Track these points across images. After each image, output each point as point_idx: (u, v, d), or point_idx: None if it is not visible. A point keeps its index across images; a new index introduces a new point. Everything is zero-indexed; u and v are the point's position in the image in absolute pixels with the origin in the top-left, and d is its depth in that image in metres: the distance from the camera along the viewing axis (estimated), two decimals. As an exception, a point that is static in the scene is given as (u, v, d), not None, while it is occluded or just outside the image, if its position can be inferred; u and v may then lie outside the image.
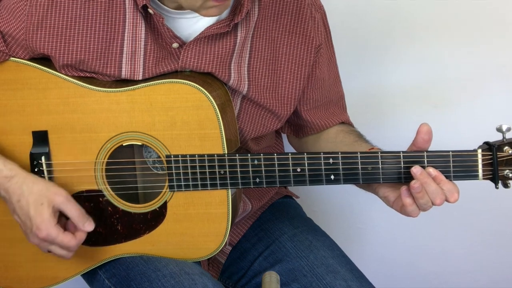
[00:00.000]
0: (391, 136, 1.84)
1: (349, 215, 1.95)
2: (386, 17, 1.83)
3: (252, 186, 1.30)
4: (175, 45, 1.31)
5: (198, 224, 1.33)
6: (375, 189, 1.31)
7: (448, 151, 1.24)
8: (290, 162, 1.27)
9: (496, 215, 1.92)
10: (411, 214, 1.25)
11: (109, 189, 1.33)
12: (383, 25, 1.83)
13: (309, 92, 1.43)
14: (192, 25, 1.33)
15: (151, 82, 1.29)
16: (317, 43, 1.39)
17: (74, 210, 1.29)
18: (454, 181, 1.24)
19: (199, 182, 1.30)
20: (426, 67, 1.86)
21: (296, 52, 1.38)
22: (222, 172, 1.29)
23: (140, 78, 1.32)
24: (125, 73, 1.32)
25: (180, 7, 1.30)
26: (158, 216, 1.33)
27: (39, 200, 1.27)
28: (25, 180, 1.29)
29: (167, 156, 1.30)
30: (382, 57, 1.86)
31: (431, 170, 1.22)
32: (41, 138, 1.32)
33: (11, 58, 1.32)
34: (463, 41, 1.83)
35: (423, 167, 1.23)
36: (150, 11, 1.28)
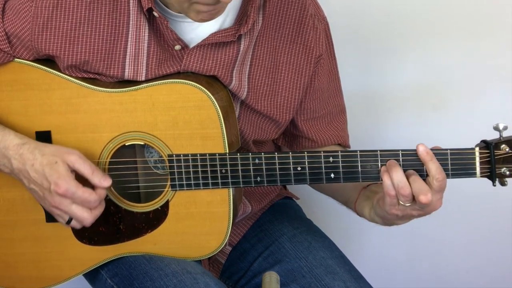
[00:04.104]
0: (390, 136, 1.86)
1: (349, 216, 1.94)
2: (385, 18, 1.84)
3: (253, 185, 1.30)
4: (177, 47, 1.32)
5: (199, 222, 1.34)
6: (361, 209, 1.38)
7: (446, 150, 1.25)
8: (291, 160, 1.28)
9: (494, 213, 1.93)
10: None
11: (112, 188, 1.33)
12: (383, 26, 1.84)
13: (307, 101, 1.43)
14: (194, 29, 1.33)
15: (153, 82, 1.30)
16: (318, 53, 1.39)
17: (88, 167, 1.26)
18: (452, 179, 1.25)
19: (200, 181, 1.31)
20: (425, 68, 1.87)
21: (296, 61, 1.38)
22: (223, 171, 1.30)
23: (143, 79, 1.33)
24: (128, 74, 1.33)
25: None
26: (160, 215, 1.34)
27: (52, 160, 1.25)
28: (37, 145, 1.28)
29: (169, 156, 1.31)
30: (381, 58, 1.87)
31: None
32: (44, 138, 1.33)
33: (15, 59, 1.33)
34: (461, 43, 1.84)
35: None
36: (155, 14, 1.28)
